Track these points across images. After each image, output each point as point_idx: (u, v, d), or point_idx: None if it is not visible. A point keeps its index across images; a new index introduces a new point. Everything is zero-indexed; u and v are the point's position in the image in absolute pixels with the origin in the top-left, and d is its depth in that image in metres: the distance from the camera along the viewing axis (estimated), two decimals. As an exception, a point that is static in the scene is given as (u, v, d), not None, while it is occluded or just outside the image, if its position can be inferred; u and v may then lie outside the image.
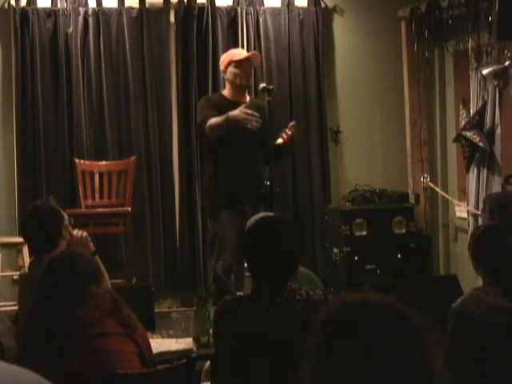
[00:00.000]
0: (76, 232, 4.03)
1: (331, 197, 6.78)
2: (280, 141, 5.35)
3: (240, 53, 5.63)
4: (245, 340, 2.93)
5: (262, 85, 5.44)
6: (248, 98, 5.50)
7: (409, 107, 6.89)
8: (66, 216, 4.04)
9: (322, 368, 1.36)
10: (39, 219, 3.93)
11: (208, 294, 4.48)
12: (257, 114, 5.23)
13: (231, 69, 5.41)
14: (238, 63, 5.40)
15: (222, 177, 5.38)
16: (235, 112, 5.20)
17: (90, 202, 6.20)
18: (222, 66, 5.51)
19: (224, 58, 5.54)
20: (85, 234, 4.06)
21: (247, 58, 5.46)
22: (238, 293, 4.40)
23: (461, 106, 6.44)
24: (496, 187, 5.93)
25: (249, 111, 5.20)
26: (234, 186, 5.31)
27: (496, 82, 5.92)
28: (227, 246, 5.25)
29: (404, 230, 6.41)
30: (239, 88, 5.41)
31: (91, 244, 4.12)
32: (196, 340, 3.99)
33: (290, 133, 5.35)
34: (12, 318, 3.94)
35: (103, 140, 6.45)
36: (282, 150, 5.42)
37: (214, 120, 5.23)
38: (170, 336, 4.10)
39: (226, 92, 5.51)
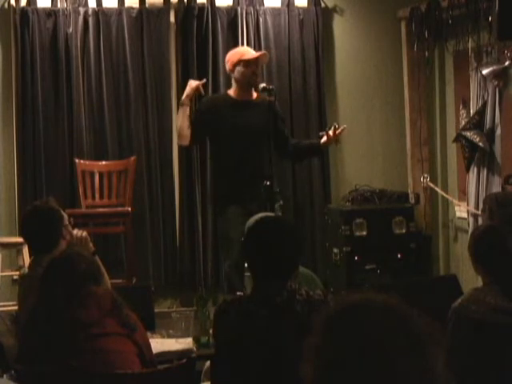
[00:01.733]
0: (76, 232, 4.03)
1: (331, 197, 6.78)
2: (323, 140, 5.31)
3: (249, 51, 5.46)
4: (245, 340, 2.93)
5: (262, 85, 5.31)
6: (255, 95, 5.35)
7: (409, 107, 6.89)
8: (65, 216, 4.04)
9: (322, 368, 1.36)
10: (39, 219, 3.93)
11: (208, 293, 4.47)
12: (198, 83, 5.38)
13: (240, 68, 5.27)
14: (248, 62, 5.27)
15: (226, 176, 5.34)
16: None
17: (89, 201, 6.20)
18: (228, 65, 5.34)
19: (232, 57, 5.37)
20: (85, 233, 4.06)
21: (257, 58, 5.34)
22: (237, 293, 4.39)
23: (461, 106, 6.44)
24: (496, 187, 5.93)
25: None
26: (237, 185, 5.26)
27: (496, 82, 5.92)
28: (234, 245, 5.16)
29: (404, 230, 6.40)
30: (247, 87, 5.29)
31: (91, 244, 4.12)
32: (196, 340, 3.99)
33: (334, 133, 5.27)
34: (12, 318, 3.95)
35: (103, 140, 6.44)
36: (317, 150, 5.43)
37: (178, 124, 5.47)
38: (170, 336, 4.10)
39: (232, 91, 5.39)
